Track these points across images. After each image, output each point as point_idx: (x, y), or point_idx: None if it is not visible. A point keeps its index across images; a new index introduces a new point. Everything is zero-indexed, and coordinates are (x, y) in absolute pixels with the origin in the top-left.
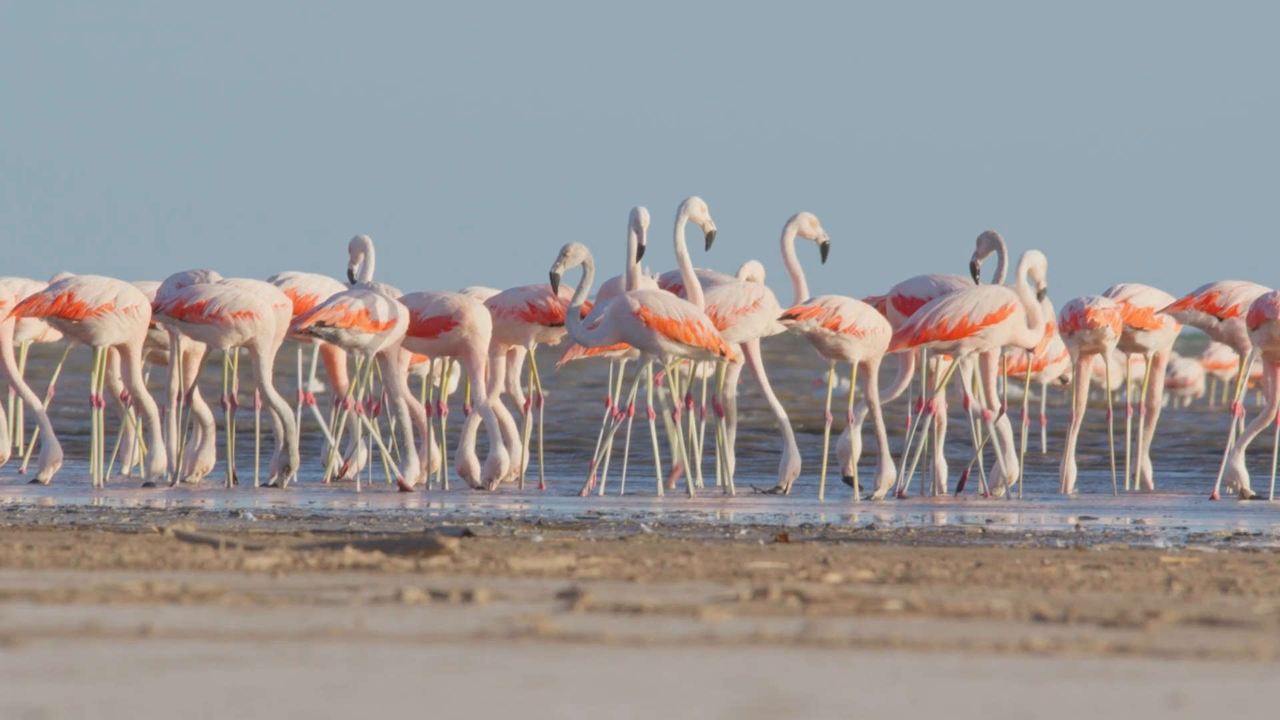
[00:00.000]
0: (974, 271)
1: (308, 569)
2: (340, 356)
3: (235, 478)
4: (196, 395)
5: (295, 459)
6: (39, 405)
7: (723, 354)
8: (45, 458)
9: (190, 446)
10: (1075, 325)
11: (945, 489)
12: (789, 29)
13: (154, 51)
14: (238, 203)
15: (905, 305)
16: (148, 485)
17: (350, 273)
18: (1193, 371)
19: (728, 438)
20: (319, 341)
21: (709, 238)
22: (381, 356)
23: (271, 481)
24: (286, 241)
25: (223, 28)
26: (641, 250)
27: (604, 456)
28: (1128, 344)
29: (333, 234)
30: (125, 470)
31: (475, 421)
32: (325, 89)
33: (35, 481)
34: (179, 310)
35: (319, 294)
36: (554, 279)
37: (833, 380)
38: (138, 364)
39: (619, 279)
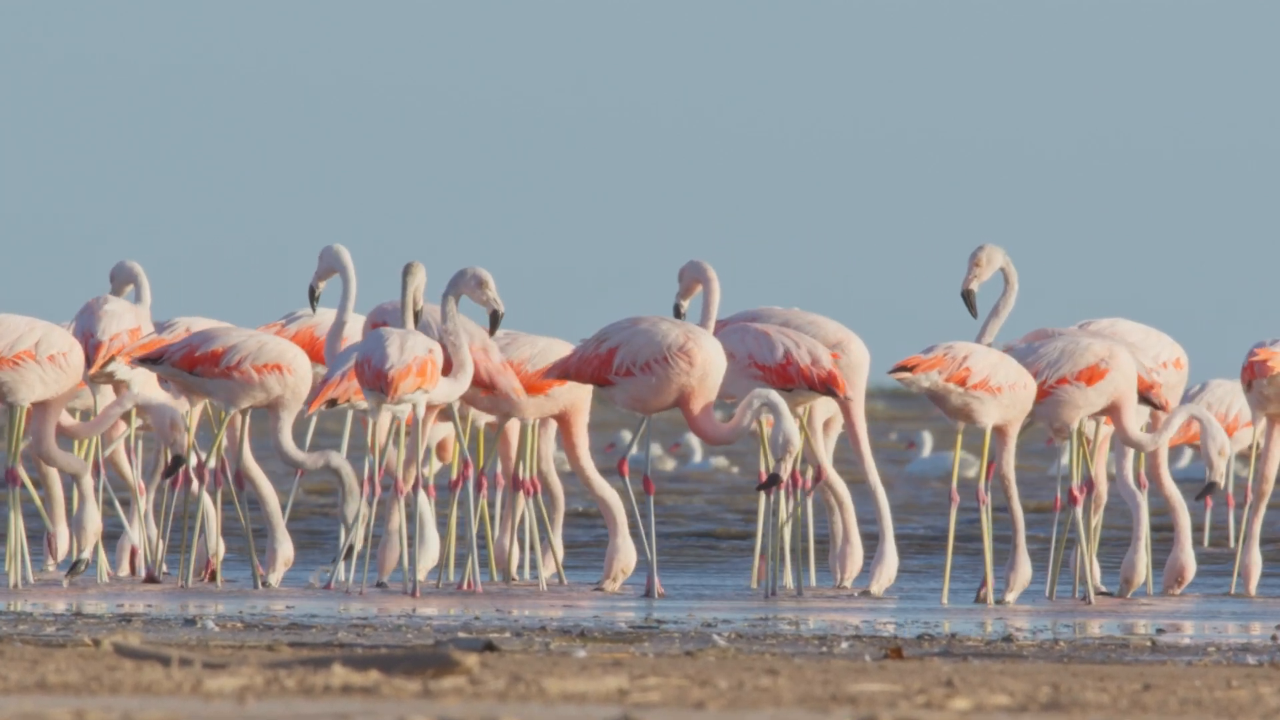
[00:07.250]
0: (968, 300)
1: (284, 692)
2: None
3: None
4: (121, 456)
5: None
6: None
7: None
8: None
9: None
10: (1251, 374)
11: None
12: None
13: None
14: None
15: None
16: (73, 570)
17: None
18: None
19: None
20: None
21: None
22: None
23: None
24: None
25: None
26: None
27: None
28: None
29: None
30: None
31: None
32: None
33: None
34: (189, 360)
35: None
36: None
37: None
38: (53, 424)
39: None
